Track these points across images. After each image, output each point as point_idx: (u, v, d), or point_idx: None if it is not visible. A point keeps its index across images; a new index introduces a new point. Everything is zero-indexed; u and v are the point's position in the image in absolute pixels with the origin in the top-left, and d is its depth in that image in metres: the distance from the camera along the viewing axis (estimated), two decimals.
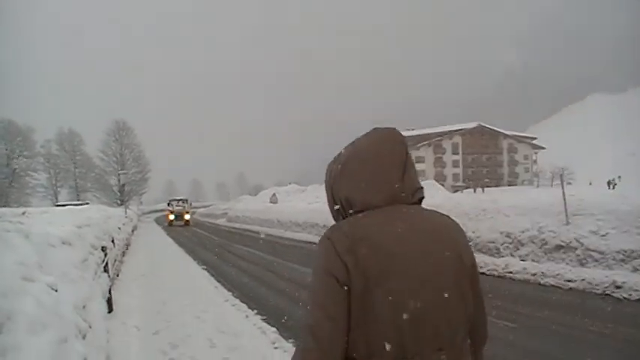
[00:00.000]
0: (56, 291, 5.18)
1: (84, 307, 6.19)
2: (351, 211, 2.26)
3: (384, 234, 2.08)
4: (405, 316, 1.99)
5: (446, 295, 2.08)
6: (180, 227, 55.39)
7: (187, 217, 60.68)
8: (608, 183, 56.01)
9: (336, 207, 2.35)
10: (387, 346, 1.98)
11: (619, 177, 60.87)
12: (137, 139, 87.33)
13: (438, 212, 2.33)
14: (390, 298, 1.99)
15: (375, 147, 2.29)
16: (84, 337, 5.27)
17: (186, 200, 64.18)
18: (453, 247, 2.18)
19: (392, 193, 2.23)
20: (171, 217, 60.36)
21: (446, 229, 2.25)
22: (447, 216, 2.35)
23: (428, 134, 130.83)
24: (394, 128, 2.37)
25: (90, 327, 5.83)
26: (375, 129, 2.38)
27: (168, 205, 62.88)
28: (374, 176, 2.23)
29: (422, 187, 2.34)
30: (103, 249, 11.45)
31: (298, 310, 11.80)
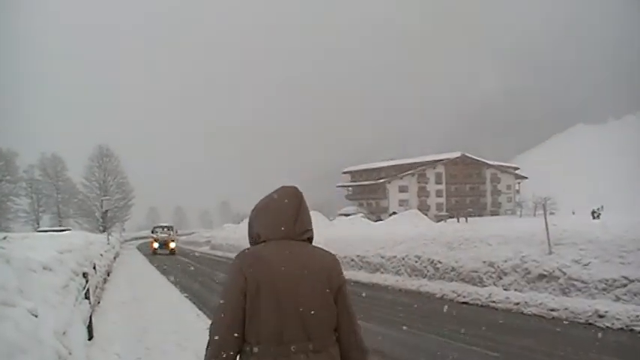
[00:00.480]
0: (36, 316, 5.14)
1: (64, 333, 6.12)
2: (260, 242, 3.26)
3: (273, 256, 3.09)
4: (283, 313, 2.97)
5: (314, 302, 3.05)
6: (164, 256, 51.54)
7: (172, 245, 55.92)
8: (593, 213, 56.08)
9: (251, 239, 3.38)
10: (270, 335, 2.95)
11: (602, 207, 61.13)
12: (121, 166, 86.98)
13: (319, 248, 3.35)
14: (273, 300, 2.98)
15: (278, 201, 3.31)
16: None
17: (172, 227, 61.29)
18: (322, 271, 3.16)
19: (286, 232, 3.21)
20: (155, 245, 55.71)
21: (320, 258, 3.24)
22: (327, 251, 3.35)
23: (411, 164, 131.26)
24: (294, 187, 3.45)
25: (70, 353, 5.76)
26: (282, 187, 3.44)
27: (152, 232, 58.77)
28: (274, 220, 3.25)
29: (310, 229, 3.37)
30: (85, 275, 11.34)
31: None
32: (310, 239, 3.37)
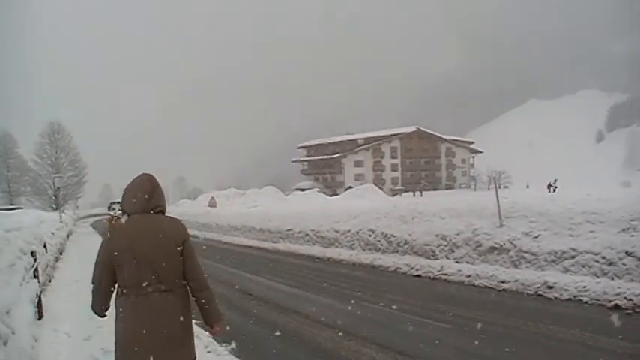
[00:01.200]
0: None
1: (7, 312, 6.01)
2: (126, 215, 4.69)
3: (133, 226, 4.59)
4: (140, 266, 4.44)
5: (164, 257, 4.54)
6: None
7: None
8: (549, 186, 56.91)
9: (122, 212, 4.79)
10: (132, 281, 4.42)
11: (555, 180, 62.07)
12: (73, 143, 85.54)
13: (169, 217, 4.85)
14: (132, 258, 4.43)
15: (136, 184, 4.82)
16: (5, 343, 5.13)
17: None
18: (171, 234, 4.63)
19: (142, 207, 4.70)
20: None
21: (169, 225, 4.71)
22: (175, 219, 4.86)
23: (367, 138, 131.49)
24: (149, 174, 4.90)
25: (13, 333, 5.66)
26: (141, 174, 4.89)
27: (110, 209, 52.10)
28: (132, 199, 4.72)
29: (161, 205, 4.82)
30: (33, 254, 11.16)
31: (232, 313, 11.75)
32: (163, 212, 4.87)
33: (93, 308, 4.84)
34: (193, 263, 4.75)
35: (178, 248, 4.66)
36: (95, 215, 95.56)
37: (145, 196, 4.73)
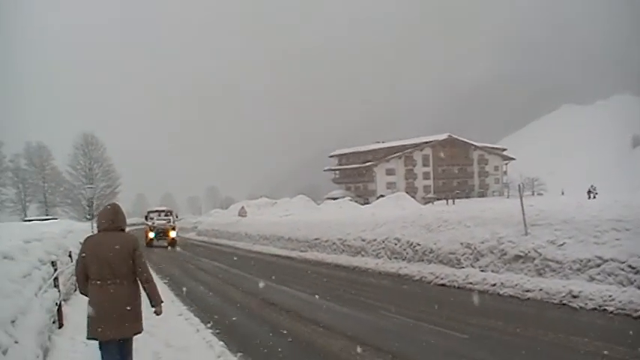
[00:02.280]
0: None
1: (13, 322, 6.04)
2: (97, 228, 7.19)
3: (100, 238, 6.94)
4: (101, 265, 6.66)
5: (119, 259, 6.72)
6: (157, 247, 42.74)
7: (173, 234, 44.50)
8: (589, 192, 56.22)
9: (98, 229, 7.09)
10: (96, 275, 6.67)
11: (594, 187, 61.32)
12: (106, 153, 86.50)
13: (125, 233, 7.14)
14: (96, 260, 6.67)
15: (105, 211, 7.11)
16: (4, 353, 5.13)
17: (171, 212, 47.93)
18: (124, 244, 6.82)
19: (107, 226, 6.97)
20: (151, 234, 43.82)
21: (124, 238, 6.95)
22: (129, 234, 7.16)
23: (398, 146, 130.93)
24: (115, 203, 7.47)
25: (16, 342, 5.67)
26: (109, 204, 7.38)
27: (146, 218, 45.91)
28: (102, 221, 6.99)
29: (121, 226, 7.12)
30: (54, 264, 11.22)
31: (249, 322, 11.70)
32: (123, 230, 7.20)
33: (80, 291, 7.27)
34: (141, 264, 6.98)
35: (130, 254, 6.92)
36: (130, 225, 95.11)
37: (110, 220, 7.08)
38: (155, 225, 44.62)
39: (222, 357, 8.95)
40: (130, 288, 6.87)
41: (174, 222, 46.31)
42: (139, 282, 6.98)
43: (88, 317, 6.73)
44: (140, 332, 7.31)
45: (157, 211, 48.32)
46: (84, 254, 6.79)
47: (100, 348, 6.98)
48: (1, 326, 5.43)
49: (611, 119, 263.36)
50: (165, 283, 19.49)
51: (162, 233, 44.11)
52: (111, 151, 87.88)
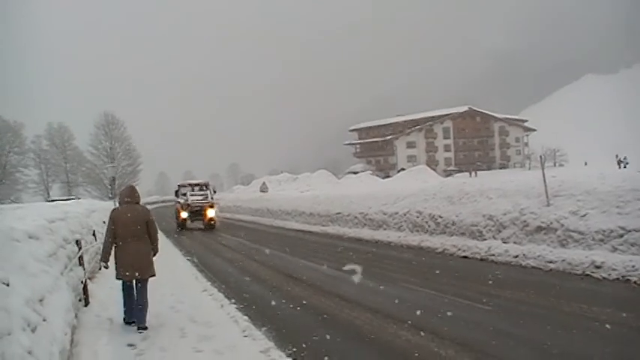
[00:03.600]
0: (7, 285, 5.11)
1: (41, 300, 6.12)
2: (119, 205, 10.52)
3: (124, 209, 10.00)
4: (125, 229, 9.71)
5: (137, 224, 9.81)
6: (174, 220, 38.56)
7: (211, 213, 35.90)
8: (619, 162, 55.81)
9: (120, 202, 10.41)
10: (121, 236, 9.70)
11: (625, 157, 60.93)
12: (127, 132, 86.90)
13: (141, 206, 10.39)
14: (122, 224, 9.73)
15: (126, 190, 10.39)
16: (33, 331, 5.20)
17: (207, 186, 38.80)
18: (139, 213, 9.98)
19: (128, 201, 10.06)
20: (184, 214, 35.42)
21: (141, 209, 10.19)
22: (144, 207, 10.48)
23: (419, 119, 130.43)
24: (132, 185, 10.97)
25: (44, 320, 5.75)
26: (128, 185, 11.00)
27: (177, 194, 38.24)
28: (124, 197, 10.15)
29: (137, 201, 10.25)
30: (78, 243, 11.35)
31: (272, 297, 11.77)
32: (138, 203, 10.22)
33: (101, 261, 10.11)
34: (152, 228, 10.07)
35: (145, 220, 9.96)
36: (152, 203, 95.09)
37: (129, 196, 10.14)
38: (189, 202, 35.67)
39: (247, 331, 9.03)
40: (145, 244, 9.95)
41: (212, 197, 37.09)
42: (149, 240, 10.04)
43: (117, 267, 9.83)
44: (154, 275, 10.15)
45: (189, 185, 39.32)
46: (114, 221, 9.83)
47: (123, 288, 10.11)
48: (30, 305, 5.49)
49: (635, 88, 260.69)
50: (188, 259, 19.62)
51: (197, 212, 35.54)
52: (131, 130, 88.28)
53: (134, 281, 9.87)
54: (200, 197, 36.47)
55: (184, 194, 36.80)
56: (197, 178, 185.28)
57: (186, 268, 17.60)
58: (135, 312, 9.81)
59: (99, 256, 11.13)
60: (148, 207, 13.84)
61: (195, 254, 20.94)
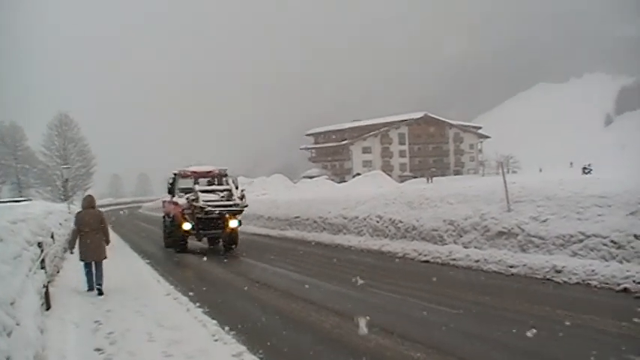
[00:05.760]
0: None
1: (12, 303, 6.00)
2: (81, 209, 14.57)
3: (85, 212, 14.15)
4: (86, 224, 13.82)
5: (95, 222, 13.90)
6: (133, 223, 43.47)
7: (235, 223, 22.06)
8: (584, 169, 57.04)
9: (82, 207, 14.70)
10: (83, 230, 13.79)
11: (589, 164, 62.33)
12: (81, 133, 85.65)
13: (97, 210, 14.38)
14: (84, 222, 13.86)
15: (86, 197, 14.74)
16: (9, 335, 5.11)
17: (224, 177, 24.94)
18: (96, 215, 14.08)
19: (88, 206, 14.24)
20: (187, 225, 22.07)
21: (97, 212, 14.24)
22: (99, 210, 14.56)
23: (375, 125, 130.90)
24: (90, 195, 15.53)
25: (17, 324, 5.65)
26: (87, 195, 15.64)
27: (171, 190, 25.23)
28: (84, 204, 14.45)
29: (94, 206, 14.37)
30: (40, 245, 11.17)
31: (239, 301, 11.72)
32: (94, 207, 14.34)
33: (68, 246, 15.17)
34: (105, 226, 14.05)
35: (100, 220, 13.97)
36: (106, 205, 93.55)
37: (89, 203, 14.24)
38: (201, 205, 21.08)
39: (216, 335, 8.97)
40: (100, 236, 13.88)
41: (241, 197, 21.99)
42: (103, 233, 13.98)
43: (80, 253, 13.73)
44: (106, 258, 13.94)
45: (195, 174, 25.04)
46: (79, 219, 13.96)
47: (85, 267, 13.90)
48: (3, 308, 5.39)
49: (584, 97, 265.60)
50: (147, 262, 19.46)
51: (213, 222, 21.74)
52: (85, 131, 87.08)
53: (93, 262, 13.74)
54: (217, 197, 22.11)
55: (186, 190, 23.82)
56: (151, 181, 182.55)
57: (147, 272, 17.50)
58: (95, 283, 13.71)
59: (58, 260, 15.10)
60: (102, 209, 16.10)
61: (155, 258, 20.84)
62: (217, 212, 21.26)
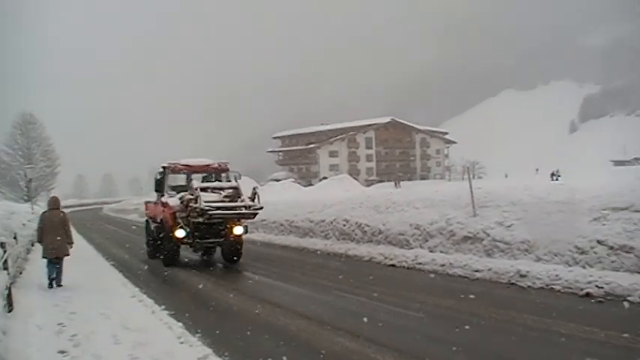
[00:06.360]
0: None
1: None
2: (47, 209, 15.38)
3: (50, 212, 14.96)
4: (50, 226, 14.48)
5: (59, 224, 14.59)
6: (99, 224, 45.42)
7: (240, 230, 18.25)
8: (552, 175, 57.71)
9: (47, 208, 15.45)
10: (47, 229, 14.50)
11: (558, 170, 63.03)
12: (45, 133, 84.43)
13: (61, 211, 15.00)
14: (48, 223, 14.59)
15: (52, 199, 15.55)
16: None
17: (226, 171, 20.85)
18: (60, 216, 14.80)
19: (53, 207, 15.04)
20: (181, 232, 17.71)
21: (61, 214, 14.88)
22: (63, 211, 15.13)
23: (342, 129, 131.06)
24: (55, 196, 16.11)
25: None
26: (52, 196, 16.34)
27: (160, 188, 20.39)
28: (50, 205, 15.38)
29: (59, 207, 15.07)
30: (2, 245, 11.04)
31: (204, 304, 11.68)
32: (59, 208, 15.00)
33: (38, 240, 15.13)
34: (67, 226, 14.83)
35: (64, 221, 14.72)
36: (70, 207, 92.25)
37: (54, 204, 15.08)
38: (202, 206, 16.73)
39: (182, 337, 8.90)
40: (62, 235, 14.46)
41: (253, 198, 18.14)
42: (65, 233, 14.61)
43: (43, 249, 14.39)
44: (68, 255, 14.68)
45: (190, 168, 20.74)
46: (43, 219, 14.72)
47: (48, 264, 14.48)
48: None
49: (550, 105, 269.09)
50: (112, 264, 19.27)
51: (214, 227, 18.07)
52: (50, 131, 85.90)
53: (55, 259, 14.46)
54: (217, 197, 18.05)
55: (178, 189, 20.29)
56: (116, 182, 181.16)
57: (113, 274, 17.32)
58: (56, 279, 14.54)
59: (21, 261, 15.07)
60: (67, 210, 16.55)
61: (119, 259, 20.60)
62: (223, 216, 17.29)
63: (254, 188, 18.54)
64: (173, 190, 20.13)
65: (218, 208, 16.84)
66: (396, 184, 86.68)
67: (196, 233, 17.77)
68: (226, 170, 20.67)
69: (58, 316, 10.88)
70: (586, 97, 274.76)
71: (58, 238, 14.35)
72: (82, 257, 19.87)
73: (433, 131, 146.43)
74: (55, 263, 14.44)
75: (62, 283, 14.56)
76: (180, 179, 21.63)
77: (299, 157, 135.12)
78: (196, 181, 18.86)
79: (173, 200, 18.40)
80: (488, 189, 16.60)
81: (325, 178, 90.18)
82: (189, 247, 18.61)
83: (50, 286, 14.41)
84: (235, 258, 18.44)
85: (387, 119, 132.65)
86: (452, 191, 18.20)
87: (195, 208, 16.67)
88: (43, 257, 14.50)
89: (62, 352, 8.44)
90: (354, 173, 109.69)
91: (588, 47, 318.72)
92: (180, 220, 17.74)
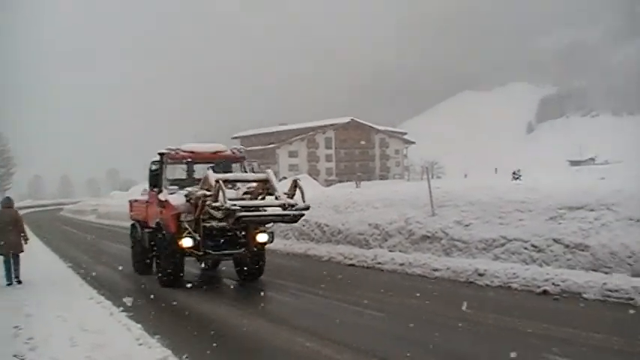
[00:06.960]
0: None
1: None
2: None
3: (3, 211, 15.24)
4: (4, 221, 14.92)
5: (10, 220, 15.09)
6: (52, 225, 45.36)
7: (263, 237, 14.22)
8: (513, 174, 58.47)
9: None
10: (2, 227, 14.87)
11: (519, 169, 63.77)
12: (0, 133, 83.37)
13: (14, 209, 15.81)
14: (2, 219, 14.96)
15: (5, 199, 16.07)
16: None
17: (242, 159, 16.42)
18: (14, 214, 15.51)
19: (6, 206, 15.48)
20: (188, 241, 13.32)
21: (14, 212, 15.62)
22: (16, 210, 15.94)
23: (301, 129, 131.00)
24: (8, 196, 16.84)
25: None
26: (5, 196, 16.88)
27: (155, 183, 15.38)
28: (3, 204, 15.57)
29: (12, 206, 15.71)
30: None
31: (160, 305, 11.60)
32: (12, 207, 15.67)
33: None
34: (21, 224, 15.39)
35: (17, 219, 15.29)
36: (26, 207, 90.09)
37: (7, 204, 15.54)
38: (231, 208, 11.89)
39: (141, 339, 8.78)
40: (16, 232, 15.02)
41: (292, 195, 13.78)
42: (19, 230, 15.11)
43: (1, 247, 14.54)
44: (23, 252, 15.14)
45: (195, 155, 16.06)
46: None
47: (4, 261, 14.91)
48: None
49: (508, 106, 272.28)
50: (69, 266, 18.97)
51: (232, 234, 14.09)
52: (6, 131, 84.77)
53: (11, 255, 14.86)
54: (235, 194, 14.04)
55: (180, 184, 15.85)
56: (73, 183, 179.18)
57: (70, 275, 17.05)
58: (13, 276, 14.94)
59: None
60: (22, 212, 18.28)
61: (77, 262, 20.25)
62: (254, 220, 13.11)
63: (294, 181, 14.31)
64: (174, 184, 15.68)
65: (248, 208, 12.60)
66: (356, 184, 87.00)
67: (208, 242, 13.75)
68: (242, 159, 16.42)
69: (13, 319, 10.70)
70: (543, 98, 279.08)
71: (12, 235, 14.93)
72: (39, 259, 19.65)
73: (392, 131, 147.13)
74: (12, 259, 14.94)
75: (21, 279, 15.12)
76: (178, 172, 17.41)
77: (258, 157, 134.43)
78: (212, 172, 13.26)
79: (176, 198, 14.25)
80: (447, 189, 16.71)
81: (285, 178, 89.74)
82: (196, 260, 14.54)
83: (9, 283, 14.91)
84: (256, 273, 14.60)
85: (346, 119, 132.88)
86: (411, 191, 18.28)
87: (217, 207, 12.17)
88: (0, 254, 14.93)
89: (17, 355, 8.28)
90: (313, 173, 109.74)
91: (545, 49, 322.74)
92: (187, 225, 13.63)
